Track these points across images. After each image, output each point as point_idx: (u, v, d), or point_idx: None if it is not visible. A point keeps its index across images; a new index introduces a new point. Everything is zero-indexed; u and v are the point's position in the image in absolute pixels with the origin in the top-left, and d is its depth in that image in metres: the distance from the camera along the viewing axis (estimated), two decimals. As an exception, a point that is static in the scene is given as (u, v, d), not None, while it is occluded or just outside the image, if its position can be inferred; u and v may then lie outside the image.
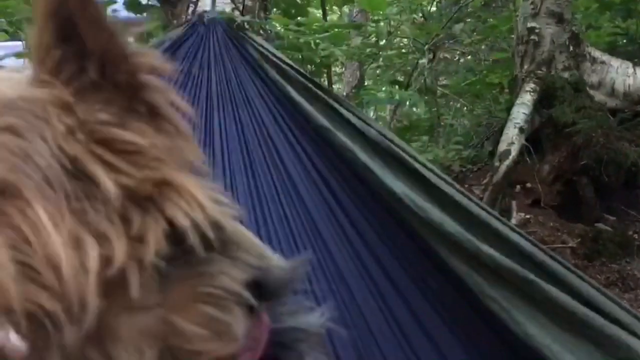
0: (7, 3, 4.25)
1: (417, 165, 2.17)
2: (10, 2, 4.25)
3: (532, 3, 4.73)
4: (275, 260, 0.77)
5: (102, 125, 0.63)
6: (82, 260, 0.58)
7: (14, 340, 0.58)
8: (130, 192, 0.62)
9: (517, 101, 4.58)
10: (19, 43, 4.65)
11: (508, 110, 4.70)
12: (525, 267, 1.88)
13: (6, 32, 4.81)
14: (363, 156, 2.20)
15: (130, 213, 0.62)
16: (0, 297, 0.56)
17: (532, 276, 1.83)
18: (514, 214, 4.48)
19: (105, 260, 0.59)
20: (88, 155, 0.62)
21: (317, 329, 0.78)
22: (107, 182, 0.61)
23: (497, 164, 4.39)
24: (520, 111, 4.54)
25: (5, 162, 0.59)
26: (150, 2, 4.71)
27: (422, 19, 5.97)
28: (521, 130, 4.50)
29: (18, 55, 4.13)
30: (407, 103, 5.28)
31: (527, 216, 4.53)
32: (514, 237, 1.98)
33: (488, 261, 1.90)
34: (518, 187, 4.71)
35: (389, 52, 5.64)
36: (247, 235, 0.75)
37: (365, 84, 6.56)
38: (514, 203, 4.55)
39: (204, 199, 0.66)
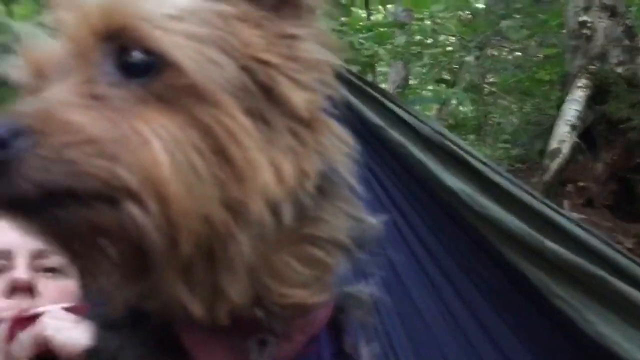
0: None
1: (472, 161, 2.11)
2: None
3: (583, -4, 4.61)
4: (366, 217, 0.76)
5: (288, 40, 0.64)
6: (278, 171, 0.61)
7: None
8: (307, 111, 0.64)
9: (568, 97, 4.46)
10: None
11: (558, 107, 4.58)
12: (594, 263, 1.80)
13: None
14: (416, 152, 2.16)
15: (304, 135, 0.64)
16: (204, 201, 0.59)
17: (601, 272, 1.76)
18: (567, 214, 4.36)
19: (300, 173, 0.63)
20: (274, 69, 0.63)
21: (367, 297, 0.78)
22: (295, 97, 0.62)
23: (547, 162, 4.29)
24: (572, 108, 4.42)
25: (198, 66, 0.60)
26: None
27: (469, 15, 5.87)
28: (573, 127, 4.38)
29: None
30: (454, 101, 5.19)
31: (581, 216, 4.39)
32: (580, 232, 1.90)
33: (553, 257, 1.83)
34: (570, 186, 4.58)
35: (434, 50, 5.56)
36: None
37: (410, 82, 6.49)
38: (566, 203, 4.42)
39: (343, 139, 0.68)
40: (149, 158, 0.58)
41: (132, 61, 0.62)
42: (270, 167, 0.61)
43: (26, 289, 1.42)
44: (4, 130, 0.57)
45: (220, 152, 0.60)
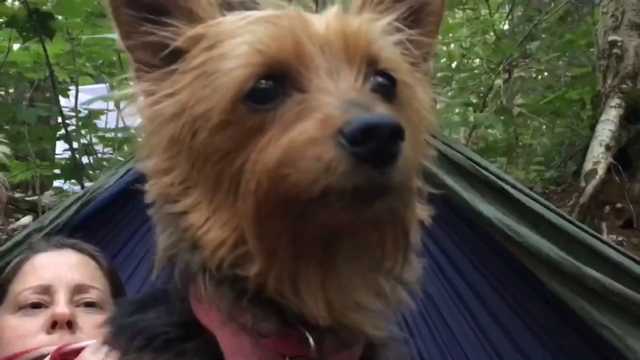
0: (92, 49, 4.48)
1: (506, 186, 2.08)
2: (94, 48, 4.48)
3: (612, 15, 4.56)
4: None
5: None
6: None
7: None
8: None
9: (602, 118, 4.39)
10: (103, 86, 4.89)
11: (591, 127, 4.51)
12: (635, 289, 1.75)
13: (91, 76, 5.06)
14: (448, 179, 2.14)
15: None
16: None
17: (646, 300, 1.70)
18: (605, 236, 4.26)
19: None
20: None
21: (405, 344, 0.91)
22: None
23: (583, 184, 4.20)
24: (606, 128, 4.35)
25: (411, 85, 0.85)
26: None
27: (495, 38, 5.85)
28: (607, 147, 4.30)
29: (104, 98, 4.33)
30: (483, 125, 5.15)
31: (619, 238, 4.29)
32: (620, 258, 1.85)
33: (595, 285, 1.78)
34: (607, 207, 4.48)
35: (462, 75, 5.55)
36: None
37: (438, 106, 6.44)
38: (604, 225, 4.32)
39: None
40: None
41: (380, 82, 0.79)
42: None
43: (67, 324, 1.44)
44: (402, 125, 0.69)
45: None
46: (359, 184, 0.69)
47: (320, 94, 0.74)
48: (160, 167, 0.83)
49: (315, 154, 0.69)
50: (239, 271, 0.77)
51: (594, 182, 4.15)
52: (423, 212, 0.84)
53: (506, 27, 6.15)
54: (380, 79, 0.79)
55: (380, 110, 0.72)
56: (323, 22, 0.80)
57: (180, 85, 0.81)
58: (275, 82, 0.76)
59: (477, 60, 6.03)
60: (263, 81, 0.76)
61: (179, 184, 0.82)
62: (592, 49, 5.02)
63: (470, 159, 2.18)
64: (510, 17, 6.04)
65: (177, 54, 0.83)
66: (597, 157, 4.24)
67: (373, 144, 0.67)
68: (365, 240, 0.78)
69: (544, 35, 5.51)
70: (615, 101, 4.41)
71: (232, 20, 0.83)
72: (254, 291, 0.77)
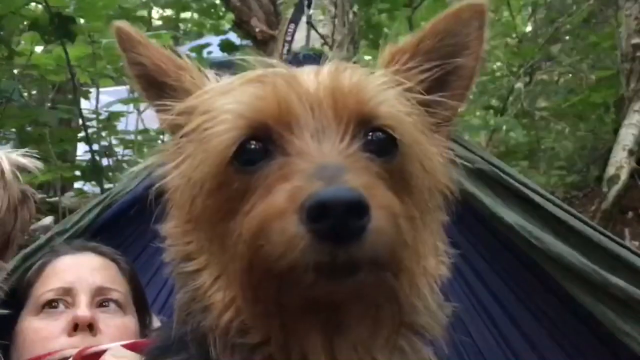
0: (113, 52, 4.51)
1: (527, 192, 2.05)
2: (115, 51, 4.51)
3: (635, 18, 4.49)
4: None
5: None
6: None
7: None
8: None
9: (625, 122, 4.34)
10: (123, 88, 4.93)
11: (615, 131, 4.45)
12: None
13: (112, 78, 5.10)
14: (468, 185, 2.11)
15: None
16: None
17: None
18: (628, 242, 4.19)
19: None
20: None
21: None
22: None
23: (605, 189, 4.15)
24: (629, 132, 4.29)
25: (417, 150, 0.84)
26: (243, 43, 4.87)
27: (517, 40, 5.80)
28: (630, 152, 4.25)
29: (124, 101, 4.37)
30: (504, 128, 5.10)
31: (643, 244, 4.22)
32: (644, 265, 1.81)
33: (618, 293, 1.75)
34: (630, 213, 4.42)
35: (483, 78, 5.50)
36: None
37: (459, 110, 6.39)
38: (627, 231, 4.26)
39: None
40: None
41: (373, 139, 0.77)
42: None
43: (88, 327, 1.45)
44: (364, 200, 0.66)
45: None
46: (319, 261, 0.67)
47: (299, 159, 0.72)
48: (175, 230, 0.88)
49: (280, 228, 0.68)
50: (246, 340, 0.78)
51: (616, 187, 4.10)
52: (440, 267, 0.84)
53: (529, 29, 6.09)
54: (376, 135, 0.78)
55: (348, 181, 0.68)
56: (314, 79, 0.79)
57: (184, 155, 0.84)
58: (262, 144, 0.76)
59: (498, 63, 5.98)
60: (253, 142, 0.77)
61: (193, 244, 0.85)
62: (616, 52, 4.95)
63: (492, 164, 2.15)
64: (532, 19, 5.97)
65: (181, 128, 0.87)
66: (620, 162, 4.19)
67: (329, 222, 0.65)
68: (355, 311, 0.76)
69: (567, 38, 5.44)
70: (638, 105, 4.35)
71: (224, 83, 0.85)
72: None
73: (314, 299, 0.72)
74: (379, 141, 0.78)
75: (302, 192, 0.67)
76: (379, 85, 0.81)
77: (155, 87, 0.90)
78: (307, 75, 0.81)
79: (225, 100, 0.80)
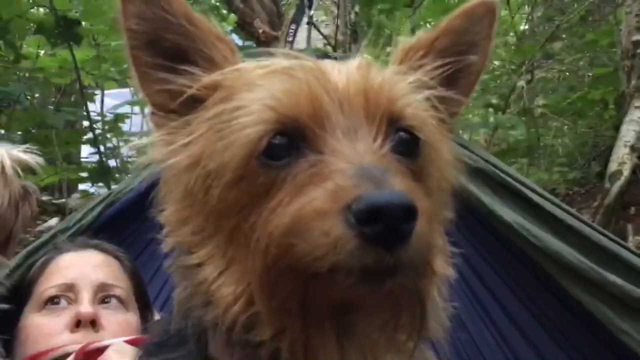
0: (117, 54, 4.55)
1: (526, 190, 2.06)
2: (120, 53, 4.55)
3: (636, 15, 4.49)
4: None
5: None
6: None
7: None
8: None
9: (626, 118, 4.34)
10: (127, 90, 4.97)
11: (615, 128, 4.45)
12: (659, 297, 1.72)
13: (116, 80, 5.14)
14: (467, 183, 2.12)
15: None
16: None
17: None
18: (630, 238, 4.20)
19: None
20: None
21: None
22: None
23: (607, 185, 4.16)
24: (630, 129, 4.30)
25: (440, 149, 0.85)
26: (246, 44, 4.90)
27: (516, 39, 5.80)
28: (632, 148, 4.25)
29: (130, 103, 4.40)
30: (506, 126, 5.10)
31: (645, 240, 4.22)
32: (641, 263, 1.82)
33: (616, 291, 1.76)
34: (633, 209, 4.42)
35: (484, 77, 5.48)
36: None
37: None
38: (629, 226, 4.26)
39: None
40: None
41: (401, 140, 0.77)
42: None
43: (90, 323, 1.46)
44: (415, 205, 0.66)
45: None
46: (366, 264, 0.66)
47: (335, 158, 0.71)
48: (176, 217, 0.82)
49: (323, 229, 0.66)
50: (251, 336, 0.75)
51: (618, 183, 4.10)
52: (446, 268, 0.83)
53: (525, 27, 6.08)
54: (403, 136, 0.77)
55: (395, 184, 0.68)
56: (343, 75, 0.77)
57: (196, 135, 0.79)
58: (290, 139, 0.74)
59: (497, 63, 5.98)
60: (278, 137, 0.74)
61: (194, 235, 0.80)
62: (614, 49, 4.95)
63: (490, 162, 2.16)
64: (530, 17, 5.98)
65: (195, 101, 0.82)
66: (622, 158, 4.19)
67: (381, 226, 0.64)
68: (378, 314, 0.76)
69: (564, 36, 5.43)
70: (639, 102, 4.36)
71: (250, 69, 0.81)
72: (267, 358, 0.75)
73: (341, 301, 0.71)
74: (405, 142, 0.77)
75: (347, 193, 0.66)
76: (407, 84, 0.80)
77: (156, 47, 0.83)
78: (336, 70, 0.78)
79: (255, 87, 0.76)
